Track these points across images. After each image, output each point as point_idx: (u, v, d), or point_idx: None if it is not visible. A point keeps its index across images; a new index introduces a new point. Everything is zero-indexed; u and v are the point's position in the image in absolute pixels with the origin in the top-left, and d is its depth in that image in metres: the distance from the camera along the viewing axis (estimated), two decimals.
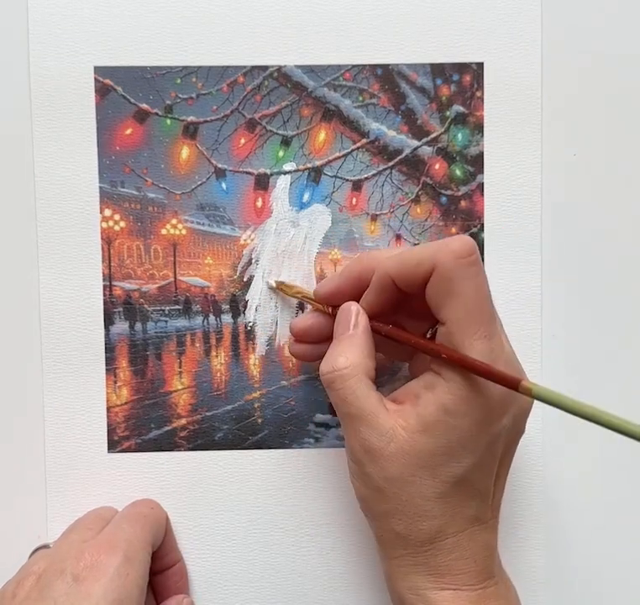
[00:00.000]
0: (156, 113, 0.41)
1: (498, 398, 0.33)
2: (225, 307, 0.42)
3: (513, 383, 0.32)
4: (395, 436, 0.34)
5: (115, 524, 0.38)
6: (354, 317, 0.36)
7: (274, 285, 0.42)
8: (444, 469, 0.34)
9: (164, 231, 0.42)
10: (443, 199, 0.42)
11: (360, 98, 0.42)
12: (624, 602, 0.43)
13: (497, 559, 0.37)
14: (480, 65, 0.41)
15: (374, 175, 0.42)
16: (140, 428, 0.42)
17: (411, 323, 0.37)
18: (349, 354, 0.35)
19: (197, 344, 0.42)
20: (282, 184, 0.42)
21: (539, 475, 0.42)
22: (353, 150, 0.42)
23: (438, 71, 0.41)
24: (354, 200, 0.42)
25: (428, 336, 0.37)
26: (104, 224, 0.42)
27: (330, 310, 0.38)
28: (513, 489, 0.42)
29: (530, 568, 0.42)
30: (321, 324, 0.39)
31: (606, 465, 0.43)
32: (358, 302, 0.37)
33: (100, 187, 0.41)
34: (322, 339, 0.39)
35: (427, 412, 0.33)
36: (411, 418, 0.34)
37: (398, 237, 0.42)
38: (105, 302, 0.42)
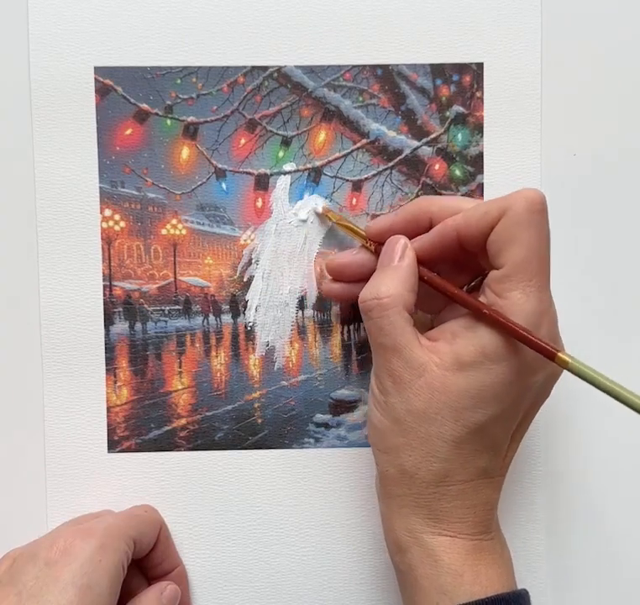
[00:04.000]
0: (156, 114, 0.41)
1: (536, 353, 0.33)
2: (225, 307, 0.42)
3: (550, 354, 0.32)
4: (426, 371, 0.34)
5: (100, 517, 0.39)
6: (401, 250, 0.36)
7: (321, 210, 0.41)
8: (468, 413, 0.34)
9: (164, 231, 0.42)
10: None
11: (360, 99, 0.42)
12: (624, 602, 0.43)
13: (496, 517, 0.37)
14: (480, 66, 0.42)
15: (374, 175, 0.42)
16: (140, 428, 0.42)
17: (449, 276, 0.37)
18: (392, 284, 0.35)
19: (197, 344, 0.42)
20: (282, 184, 0.42)
21: (539, 475, 0.42)
22: (353, 151, 0.42)
23: (438, 71, 0.41)
24: (354, 200, 0.42)
25: (466, 290, 0.38)
26: (104, 224, 0.42)
27: (373, 248, 0.38)
28: (513, 489, 0.42)
29: (530, 568, 0.42)
30: (361, 262, 0.39)
31: (607, 464, 0.43)
32: None
33: (100, 187, 0.41)
34: (360, 278, 0.38)
35: (464, 352, 0.33)
36: (447, 355, 0.34)
37: None
38: (105, 302, 0.42)
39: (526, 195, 0.34)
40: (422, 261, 0.36)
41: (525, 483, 0.43)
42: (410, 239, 0.37)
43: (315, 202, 0.42)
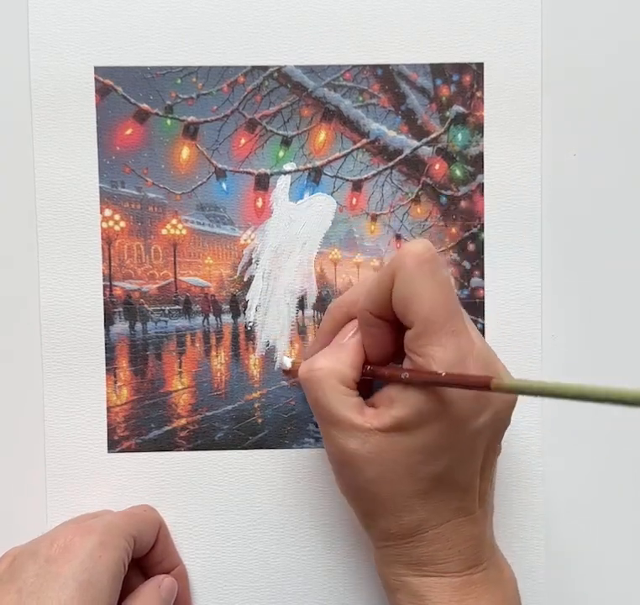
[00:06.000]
0: (156, 114, 0.41)
1: (473, 397, 0.33)
2: (225, 307, 0.42)
3: (485, 385, 0.31)
4: (370, 437, 0.34)
5: (99, 516, 0.39)
6: (350, 331, 0.37)
7: (288, 366, 0.42)
8: (423, 467, 0.34)
9: (164, 231, 0.42)
10: (443, 199, 0.42)
11: (360, 98, 0.42)
12: (624, 603, 0.43)
13: (489, 546, 0.37)
14: (480, 66, 0.42)
15: (374, 175, 0.42)
16: (140, 428, 0.42)
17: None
18: (329, 358, 0.36)
19: (197, 344, 0.42)
20: (282, 184, 0.42)
21: (539, 475, 0.42)
22: (353, 150, 0.42)
23: (438, 71, 0.42)
24: (354, 200, 0.42)
25: None
26: (104, 224, 0.42)
27: None
28: (513, 489, 0.42)
29: (530, 568, 0.42)
30: None
31: (606, 464, 0.43)
32: None
33: (100, 187, 0.41)
34: None
35: (402, 415, 0.33)
36: (388, 420, 0.34)
37: (398, 237, 0.42)
38: (105, 302, 0.42)
39: (408, 250, 0.33)
40: (383, 357, 0.36)
41: (525, 484, 0.42)
42: None
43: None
